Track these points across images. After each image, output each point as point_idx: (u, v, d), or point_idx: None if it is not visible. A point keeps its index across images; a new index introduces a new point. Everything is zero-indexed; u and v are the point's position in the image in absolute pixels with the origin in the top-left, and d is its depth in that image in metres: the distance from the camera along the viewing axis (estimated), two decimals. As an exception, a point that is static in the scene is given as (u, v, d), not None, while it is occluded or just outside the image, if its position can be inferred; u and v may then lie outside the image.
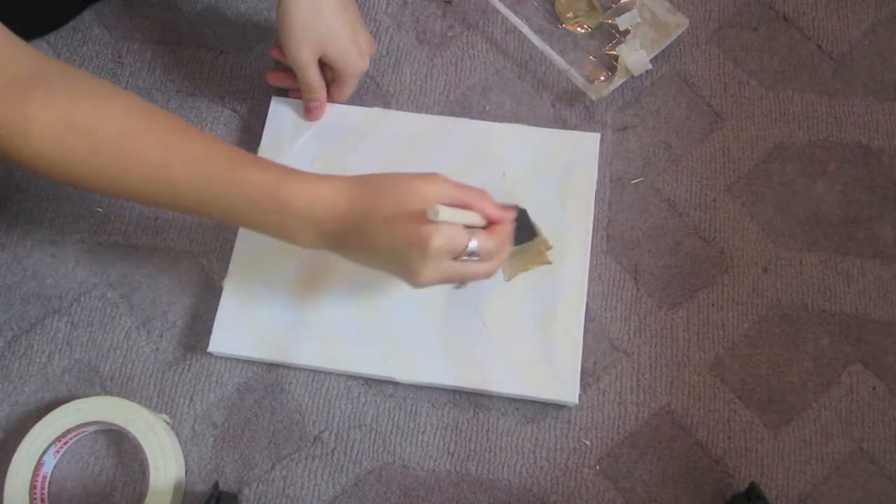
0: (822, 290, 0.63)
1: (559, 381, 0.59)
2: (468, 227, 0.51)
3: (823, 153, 0.67)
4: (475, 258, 0.51)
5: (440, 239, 0.48)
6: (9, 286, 0.66)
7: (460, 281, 0.59)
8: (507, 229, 0.53)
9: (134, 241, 0.67)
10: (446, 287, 0.62)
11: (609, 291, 0.63)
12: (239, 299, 0.63)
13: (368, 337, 0.61)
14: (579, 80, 0.68)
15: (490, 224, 0.53)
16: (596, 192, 0.66)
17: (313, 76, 0.65)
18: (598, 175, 0.66)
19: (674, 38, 0.69)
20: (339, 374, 0.62)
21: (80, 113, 0.48)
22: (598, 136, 0.66)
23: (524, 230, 0.61)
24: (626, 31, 0.70)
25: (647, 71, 0.69)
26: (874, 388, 0.60)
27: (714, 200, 0.66)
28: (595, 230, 0.65)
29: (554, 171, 0.65)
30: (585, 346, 0.62)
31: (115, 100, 0.50)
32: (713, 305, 0.63)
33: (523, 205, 0.62)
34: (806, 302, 0.62)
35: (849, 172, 0.66)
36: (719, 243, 0.64)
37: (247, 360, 0.63)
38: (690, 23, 0.70)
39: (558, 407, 0.60)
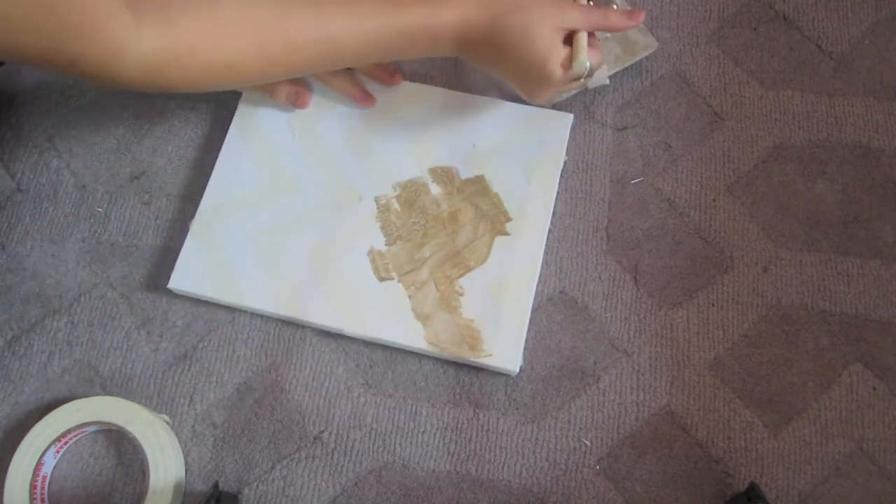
0: (822, 290, 0.63)
1: (502, 350, 0.60)
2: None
3: (823, 153, 0.67)
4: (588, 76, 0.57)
5: (564, 75, 0.56)
6: (9, 286, 0.66)
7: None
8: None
9: (134, 241, 0.67)
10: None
11: (609, 291, 0.63)
12: (204, 241, 0.64)
13: (323, 289, 0.62)
14: None
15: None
16: (595, 190, 0.66)
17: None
18: (603, 173, 0.67)
19: (639, 58, 0.69)
20: (289, 323, 0.63)
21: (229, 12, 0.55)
22: (570, 116, 0.67)
23: None
24: None
25: (646, 72, 0.69)
26: (874, 388, 0.60)
27: (714, 200, 0.66)
28: (595, 230, 0.65)
29: (523, 147, 0.66)
30: (585, 346, 0.62)
31: None
32: (713, 305, 0.63)
33: (488, 176, 0.65)
34: (806, 302, 0.62)
35: (849, 172, 0.66)
36: (719, 243, 0.64)
37: (204, 300, 0.64)
38: (660, 45, 0.69)
39: (558, 407, 0.60)
